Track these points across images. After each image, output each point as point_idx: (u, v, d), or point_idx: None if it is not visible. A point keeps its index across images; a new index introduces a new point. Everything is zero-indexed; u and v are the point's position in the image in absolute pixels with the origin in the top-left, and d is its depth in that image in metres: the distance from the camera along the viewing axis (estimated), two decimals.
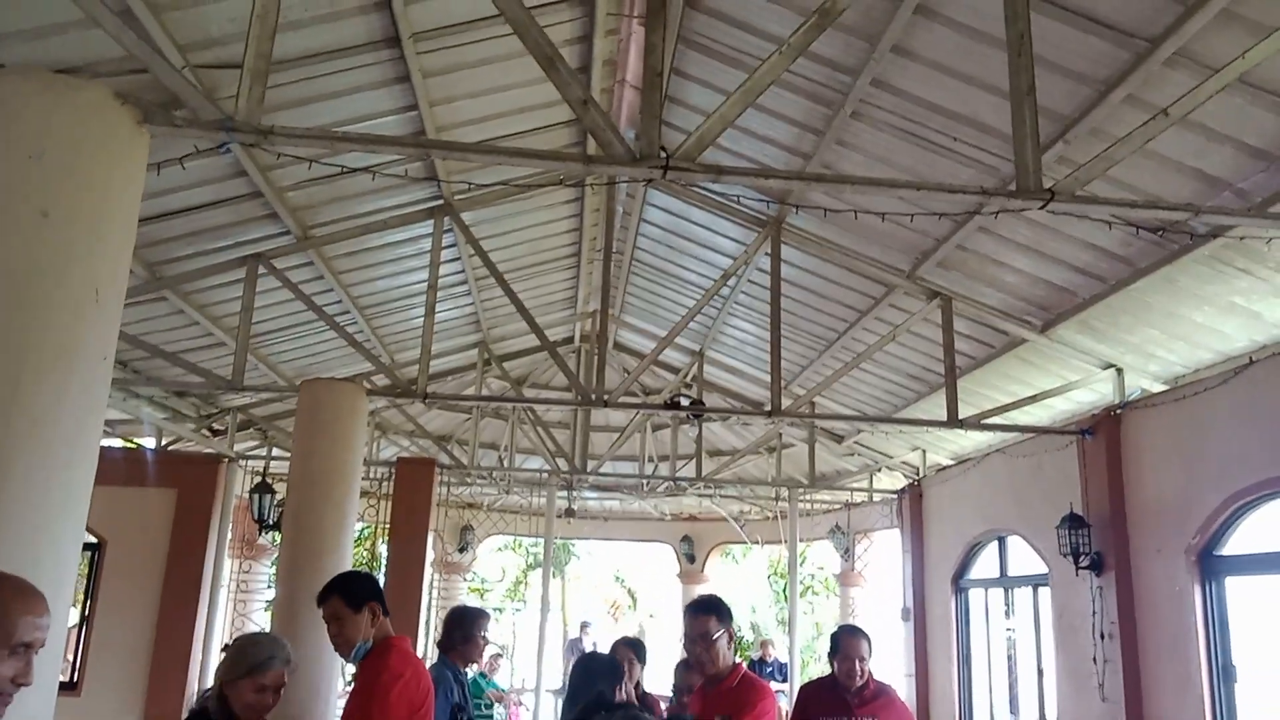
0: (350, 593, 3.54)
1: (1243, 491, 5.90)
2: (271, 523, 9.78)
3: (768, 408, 7.34)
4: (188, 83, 2.95)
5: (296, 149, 3.21)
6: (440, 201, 6.75)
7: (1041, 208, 3.32)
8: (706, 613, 3.64)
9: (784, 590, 18.79)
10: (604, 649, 5.66)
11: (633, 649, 5.14)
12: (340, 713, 4.17)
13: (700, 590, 15.84)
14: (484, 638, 5.09)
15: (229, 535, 10.52)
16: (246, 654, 3.26)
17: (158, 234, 6.11)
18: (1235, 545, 6.17)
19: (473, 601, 19.70)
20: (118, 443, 10.79)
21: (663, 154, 3.05)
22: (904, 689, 10.53)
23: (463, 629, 5.04)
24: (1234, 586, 6.19)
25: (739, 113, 3.10)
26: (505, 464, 12.51)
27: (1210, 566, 6.23)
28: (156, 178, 5.25)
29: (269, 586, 12.31)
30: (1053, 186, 3.32)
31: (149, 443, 10.59)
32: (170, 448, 10.58)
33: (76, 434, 2.84)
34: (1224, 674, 6.07)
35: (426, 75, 5.20)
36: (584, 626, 16.79)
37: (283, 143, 3.04)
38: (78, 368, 2.83)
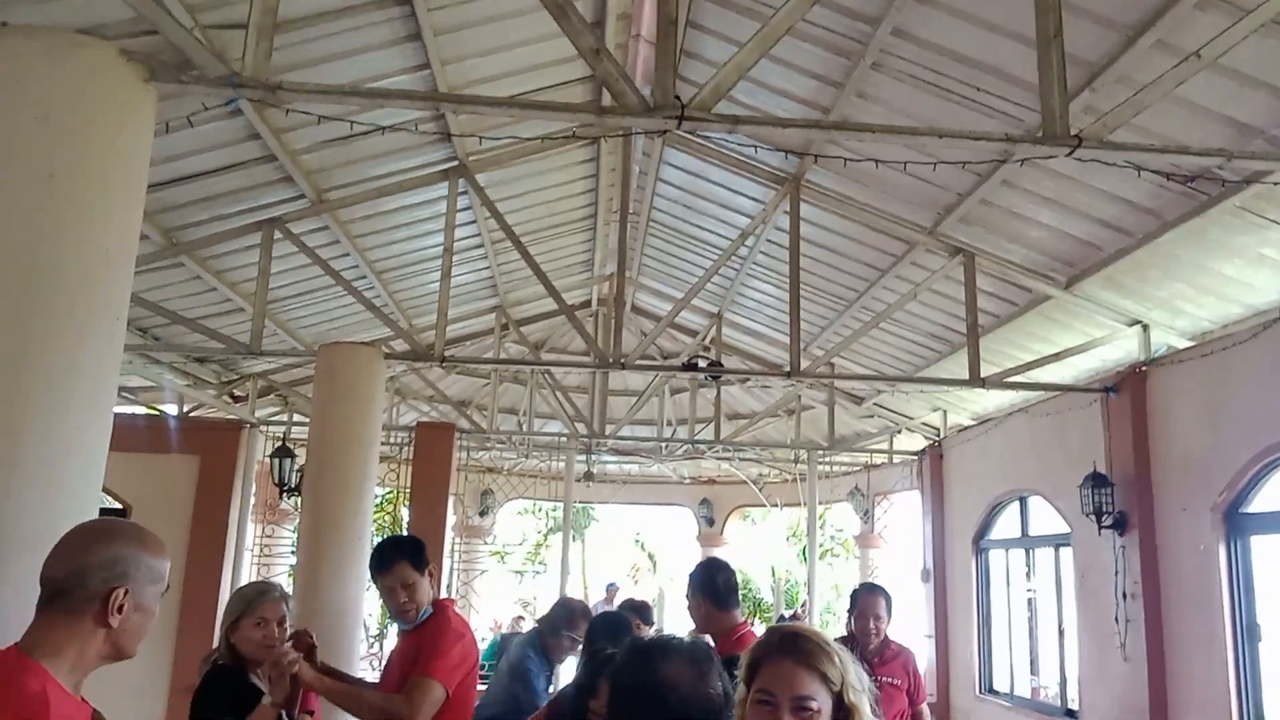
0: (417, 556, 3.54)
1: (1271, 448, 5.81)
2: (292, 486, 9.85)
3: (786, 369, 7.28)
4: (194, 40, 2.89)
5: (306, 105, 3.16)
6: (455, 163, 6.68)
7: (1069, 154, 3.22)
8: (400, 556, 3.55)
9: (803, 552, 18.85)
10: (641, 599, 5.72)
11: (637, 612, 5.18)
12: (378, 675, 4.18)
13: (720, 553, 15.91)
14: (572, 638, 4.99)
15: (252, 500, 10.61)
16: (238, 596, 3.34)
17: (173, 199, 6.09)
18: (1261, 503, 6.08)
19: (492, 565, 19.91)
20: (140, 409, 10.89)
21: (678, 103, 2.98)
22: (924, 650, 10.56)
23: (553, 624, 4.96)
24: (1260, 545, 6.12)
25: (756, 60, 3.01)
26: (524, 428, 12.53)
27: (1236, 524, 6.16)
28: (169, 141, 5.27)
29: (292, 551, 12.43)
30: (1080, 132, 3.22)
31: (171, 409, 10.67)
32: (192, 414, 10.65)
33: (91, 395, 2.83)
34: (1249, 633, 6.02)
35: (438, 33, 5.11)
36: (610, 589, 16.88)
37: (291, 98, 2.99)
38: (90, 329, 2.81)
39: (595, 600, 17.05)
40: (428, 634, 3.44)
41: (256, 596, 3.27)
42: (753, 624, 4.05)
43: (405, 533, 11.22)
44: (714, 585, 3.74)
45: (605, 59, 2.99)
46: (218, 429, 10.35)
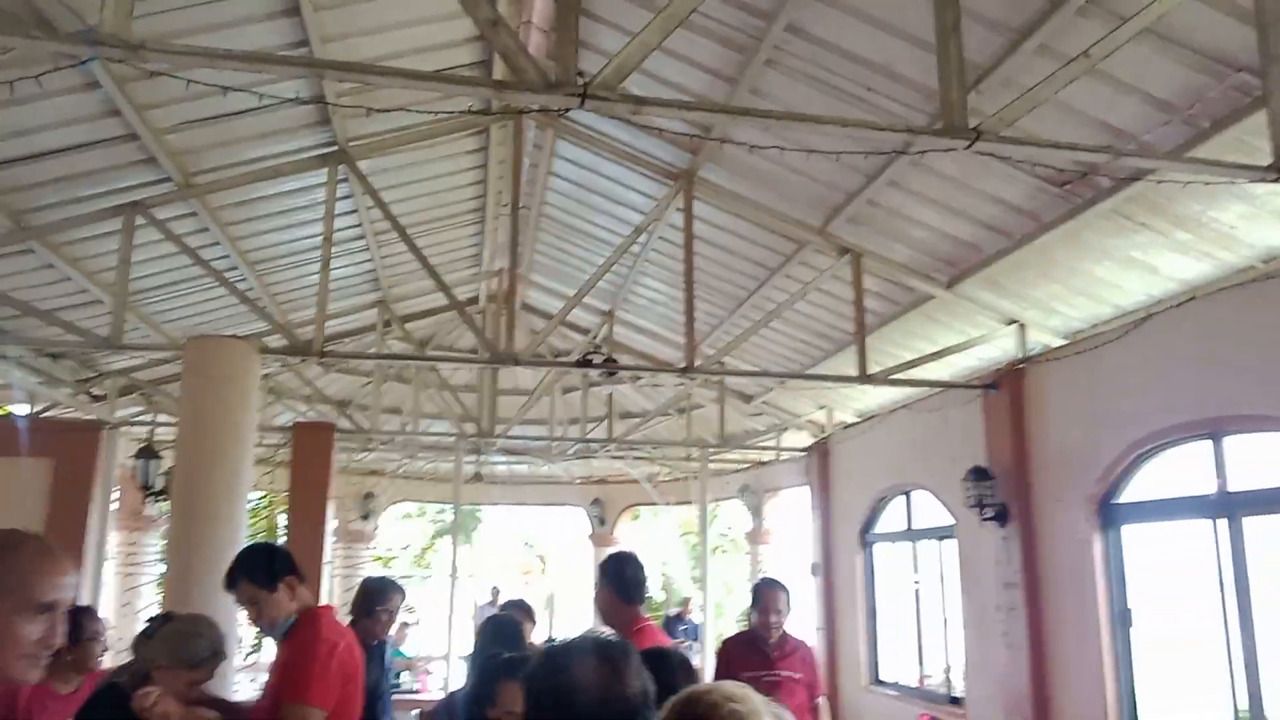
0: (258, 573, 3.28)
1: (1139, 441, 6.09)
2: (158, 490, 9.26)
3: (681, 366, 7.24)
4: None
5: (171, 67, 2.89)
6: (335, 148, 6.37)
7: (967, 147, 3.24)
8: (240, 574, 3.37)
9: (695, 550, 18.97)
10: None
11: (522, 610, 5.13)
12: (259, 687, 3.94)
13: (610, 552, 15.83)
14: (387, 612, 4.90)
15: (113, 507, 9.94)
16: (190, 647, 3.06)
17: (23, 178, 5.61)
18: (1132, 494, 6.37)
19: (376, 571, 19.29)
20: None
21: (580, 80, 2.85)
22: (814, 643, 10.71)
23: (366, 604, 4.86)
24: (1130, 534, 6.41)
25: (660, 39, 2.91)
26: (409, 428, 12.14)
27: (1109, 515, 6.43)
28: (20, 114, 4.85)
29: (160, 559, 11.72)
30: (978, 126, 3.24)
31: (21, 409, 9.89)
32: (45, 414, 9.90)
33: None
34: (1121, 618, 6.30)
35: (318, 8, 4.85)
36: (495, 592, 16.61)
37: (155, 59, 2.71)
38: None
39: (481, 604, 16.74)
40: (295, 648, 3.22)
41: (210, 659, 3.04)
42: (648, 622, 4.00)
43: (280, 539, 10.72)
44: (622, 578, 3.70)
45: (504, 31, 2.83)
46: (74, 430, 9.64)
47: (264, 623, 3.29)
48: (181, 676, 2.99)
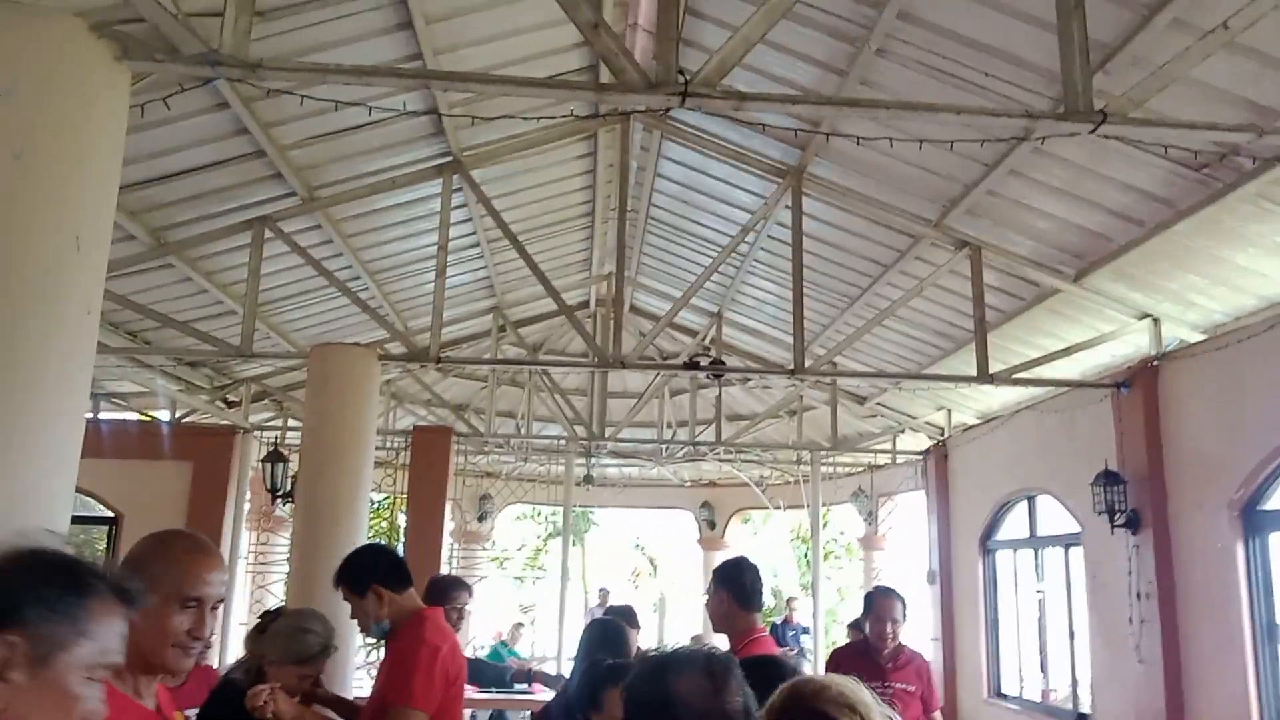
0: (349, 578, 3.37)
1: None
2: (284, 492, 9.69)
3: (789, 367, 7.13)
4: (169, 14, 2.73)
5: (288, 84, 3.00)
6: (449, 159, 6.53)
7: (1093, 130, 3.07)
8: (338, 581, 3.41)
9: (806, 555, 18.67)
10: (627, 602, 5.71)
11: (623, 617, 5.05)
12: (370, 685, 4.07)
13: (722, 556, 15.75)
14: (455, 610, 4.95)
15: (246, 507, 10.45)
16: (299, 643, 3.16)
17: (159, 197, 5.94)
18: (1278, 500, 5.93)
19: (492, 571, 19.74)
20: (132, 415, 10.72)
21: (681, 79, 2.83)
22: (930, 653, 10.38)
23: (433, 600, 4.92)
24: (1278, 542, 5.97)
25: (763, 33, 2.86)
26: (522, 431, 12.36)
27: (1253, 522, 6.00)
28: (154, 137, 5.13)
29: (287, 559, 12.27)
30: (1104, 108, 3.06)
31: (164, 415, 10.51)
32: (185, 420, 10.49)
33: (62, 390, 2.66)
34: (1268, 633, 5.86)
35: (430, 21, 4.97)
36: (604, 594, 16.73)
37: (272, 77, 2.83)
38: (60, 321, 2.65)
39: (590, 605, 16.89)
40: (399, 651, 3.28)
41: (320, 654, 3.15)
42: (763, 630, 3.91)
43: (400, 540, 11.06)
44: (742, 583, 3.59)
45: (604, 33, 2.83)
46: (211, 434, 10.19)
47: (365, 625, 3.37)
48: (292, 672, 3.07)
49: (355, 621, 3.42)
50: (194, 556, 1.95)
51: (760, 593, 3.66)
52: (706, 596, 3.70)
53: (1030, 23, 4.40)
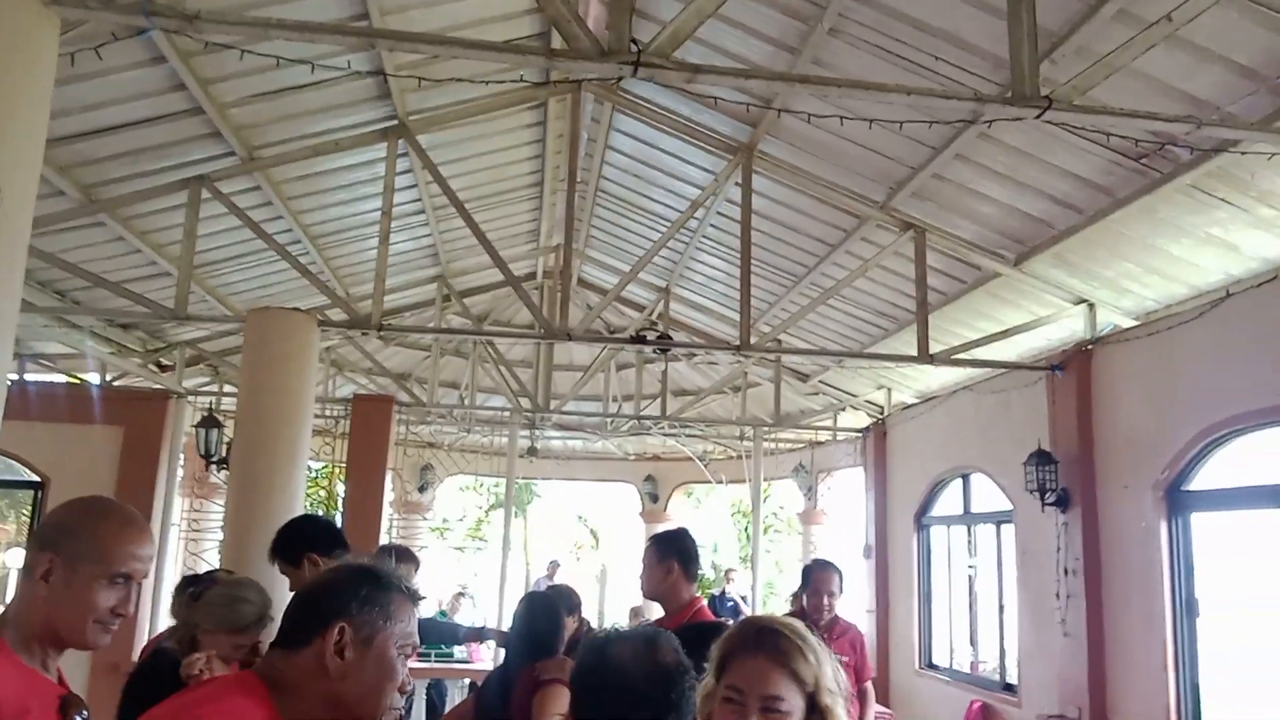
0: (282, 550, 3.37)
1: (1213, 427, 5.86)
2: (219, 459, 9.50)
3: (735, 344, 7.16)
4: None
5: (228, 37, 2.90)
6: (395, 122, 6.38)
7: (1038, 116, 3.11)
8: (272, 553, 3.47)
9: (746, 529, 18.91)
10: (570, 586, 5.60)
11: (562, 599, 5.00)
12: None
13: (664, 529, 15.86)
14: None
15: (179, 474, 10.22)
16: (235, 612, 3.08)
17: (92, 152, 5.73)
18: (1202, 481, 6.15)
19: (432, 542, 19.63)
20: (61, 378, 10.39)
21: (634, 48, 2.79)
22: (865, 625, 10.61)
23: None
24: (1199, 522, 6.19)
25: (716, 6, 2.84)
26: (466, 402, 12.26)
27: (1177, 502, 6.22)
28: (87, 90, 4.94)
29: (221, 526, 12.04)
30: (1050, 94, 3.11)
31: (94, 378, 10.20)
32: (116, 383, 10.20)
33: None
34: (1187, 609, 6.09)
35: None
36: (553, 566, 16.71)
37: (211, 30, 2.72)
38: None
39: (537, 576, 16.90)
40: None
41: (256, 624, 3.08)
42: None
43: (339, 509, 10.92)
44: (692, 553, 3.61)
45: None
46: (143, 399, 9.92)
47: None
48: (226, 641, 3.01)
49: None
50: (125, 531, 1.88)
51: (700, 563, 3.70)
52: (646, 565, 3.65)
53: (980, 8, 4.44)
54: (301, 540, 3.34)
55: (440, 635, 7.58)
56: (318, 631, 1.64)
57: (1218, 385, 5.79)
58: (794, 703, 1.66)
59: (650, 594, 3.65)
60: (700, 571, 3.71)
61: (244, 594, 3.16)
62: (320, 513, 14.84)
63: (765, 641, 1.71)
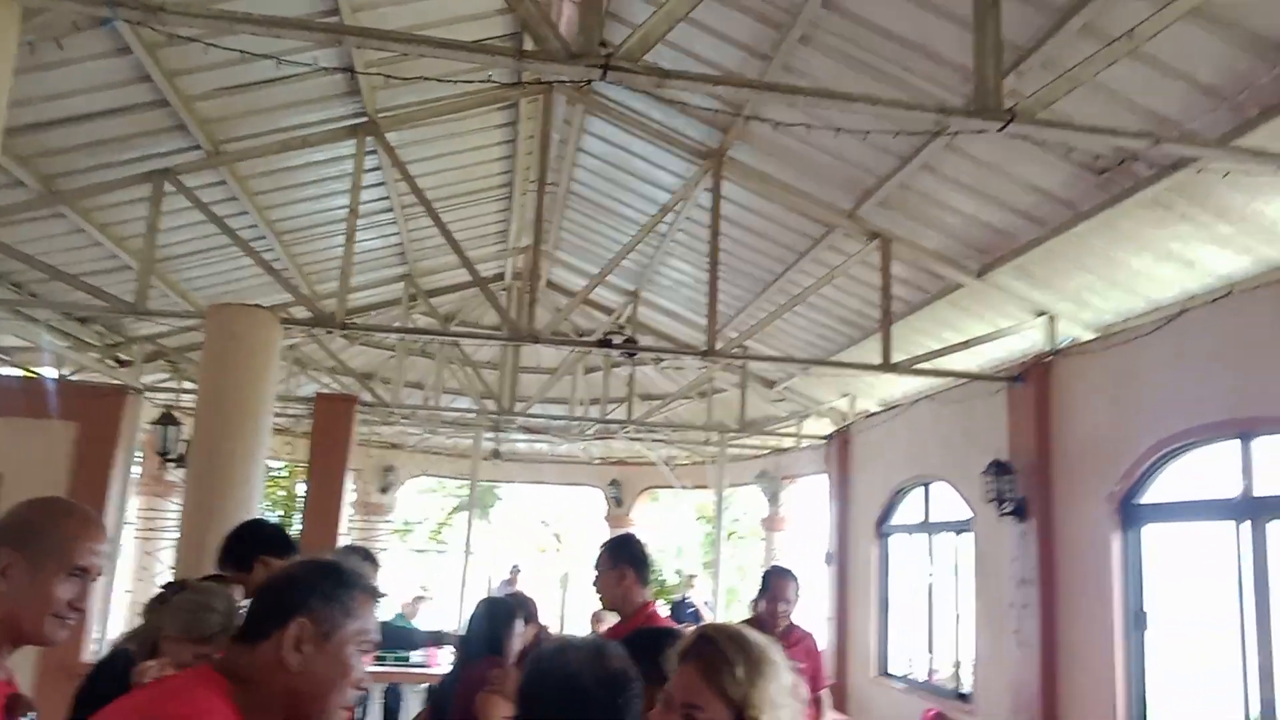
0: (233, 556, 3.32)
1: (1166, 440, 5.96)
2: (176, 456, 9.35)
3: (702, 349, 7.19)
4: None
5: (192, 29, 2.86)
6: (364, 119, 6.35)
7: (1001, 129, 3.16)
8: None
9: (709, 534, 18.94)
10: (528, 593, 5.54)
11: (521, 607, 4.99)
12: None
13: (617, 534, 15.83)
14: None
15: (135, 471, 10.04)
16: (199, 620, 3.02)
17: (53, 142, 5.64)
18: (1154, 494, 6.25)
19: (393, 544, 19.45)
20: (15, 371, 10.17)
21: (603, 51, 2.80)
22: (824, 632, 10.67)
23: None
24: (1151, 534, 6.30)
25: (687, 10, 2.85)
26: (430, 403, 12.18)
27: (1130, 514, 6.31)
28: (50, 79, 4.85)
29: (178, 525, 11.85)
30: (1013, 108, 3.16)
31: (49, 372, 10.00)
32: (72, 378, 10.01)
33: None
34: (1136, 620, 6.19)
35: None
36: (515, 570, 16.62)
37: (175, 22, 2.69)
38: None
39: (499, 580, 16.79)
40: None
41: (219, 634, 3.02)
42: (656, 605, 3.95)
43: (299, 509, 10.80)
44: (642, 558, 3.65)
45: (527, 1, 2.78)
46: (99, 394, 9.70)
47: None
48: (189, 649, 2.96)
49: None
50: (82, 526, 1.93)
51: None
52: (600, 573, 3.67)
53: (950, 20, 4.50)
54: (254, 543, 3.31)
55: (397, 641, 7.48)
56: (277, 625, 1.64)
57: (1172, 399, 5.90)
58: (716, 713, 1.70)
59: (607, 603, 3.66)
60: (653, 575, 3.73)
61: (211, 602, 3.11)
62: (279, 513, 14.68)
63: (697, 651, 1.77)
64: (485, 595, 7.02)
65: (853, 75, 5.17)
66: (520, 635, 4.26)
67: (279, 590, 1.72)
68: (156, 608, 3.26)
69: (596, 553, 3.77)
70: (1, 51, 2.71)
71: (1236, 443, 5.55)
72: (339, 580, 1.73)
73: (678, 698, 1.73)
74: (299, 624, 1.64)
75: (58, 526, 1.90)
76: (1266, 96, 4.11)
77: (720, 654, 1.74)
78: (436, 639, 6.69)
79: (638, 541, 3.77)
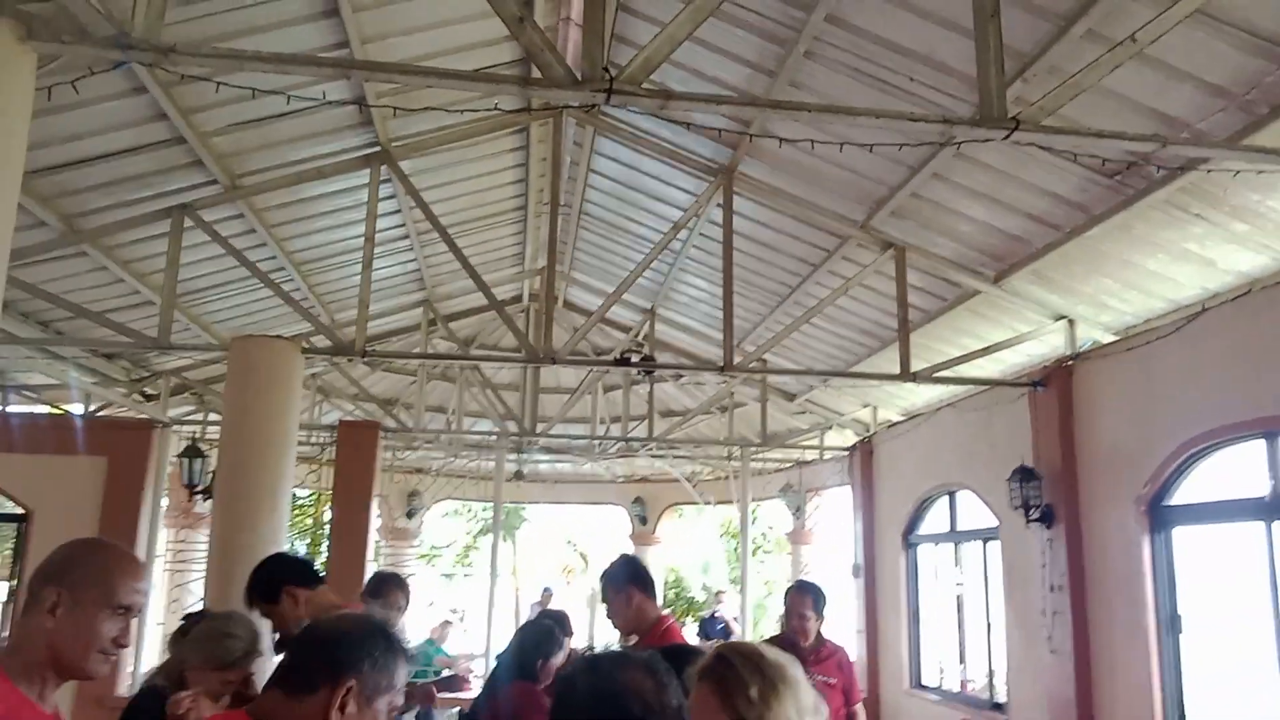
0: (259, 589, 3.36)
1: (1192, 441, 5.90)
2: (203, 488, 9.44)
3: (720, 364, 7.19)
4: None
5: (203, 70, 2.92)
6: (377, 149, 6.42)
7: (1005, 137, 3.17)
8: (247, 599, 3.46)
9: (736, 549, 18.86)
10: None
11: (558, 623, 5.01)
12: None
13: (654, 551, 15.82)
14: (394, 610, 4.89)
15: (163, 504, 10.15)
16: (221, 647, 3.07)
17: (74, 183, 5.74)
18: (1183, 495, 6.18)
19: (420, 569, 19.51)
20: (44, 409, 10.33)
21: (607, 76, 2.83)
22: (854, 645, 10.58)
23: (370, 591, 4.88)
24: (1181, 536, 6.22)
25: (688, 32, 2.88)
26: (453, 427, 12.24)
27: (1159, 517, 6.24)
28: (69, 120, 4.96)
29: (206, 557, 11.95)
30: (1017, 115, 3.16)
31: (77, 409, 10.14)
32: (100, 413, 10.14)
33: None
34: (1170, 624, 6.11)
35: (357, 9, 4.89)
36: (546, 593, 16.59)
37: (186, 63, 2.75)
38: None
39: (531, 603, 16.76)
40: None
41: (242, 659, 3.06)
42: (684, 622, 3.97)
43: (325, 537, 10.87)
44: (644, 575, 3.69)
45: (530, 28, 2.82)
46: (127, 429, 9.87)
47: (283, 634, 3.35)
48: (215, 677, 3.00)
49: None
50: (126, 565, 2.00)
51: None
52: (610, 602, 3.68)
53: (954, 30, 4.51)
54: (280, 575, 3.35)
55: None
56: (327, 682, 1.67)
57: (1196, 399, 5.84)
58: None
59: (624, 628, 3.68)
60: (657, 587, 3.78)
61: (232, 629, 3.15)
62: (306, 541, 14.78)
63: (713, 671, 1.77)
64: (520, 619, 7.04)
65: (859, 88, 5.19)
66: (564, 652, 4.31)
67: (331, 646, 1.74)
68: (179, 640, 3.30)
69: (599, 586, 3.77)
70: (20, 95, 2.78)
71: (1262, 442, 5.49)
72: (389, 646, 1.77)
73: (694, 717, 1.74)
74: (349, 686, 1.67)
75: (103, 566, 1.97)
76: (1275, 95, 4.09)
77: (735, 674, 1.73)
78: (447, 683, 6.71)
79: (634, 560, 3.84)
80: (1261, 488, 5.48)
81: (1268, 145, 3.89)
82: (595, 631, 15.77)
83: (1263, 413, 5.35)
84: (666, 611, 3.79)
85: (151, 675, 3.13)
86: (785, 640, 4.94)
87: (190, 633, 3.23)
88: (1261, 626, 5.37)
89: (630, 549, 16.83)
